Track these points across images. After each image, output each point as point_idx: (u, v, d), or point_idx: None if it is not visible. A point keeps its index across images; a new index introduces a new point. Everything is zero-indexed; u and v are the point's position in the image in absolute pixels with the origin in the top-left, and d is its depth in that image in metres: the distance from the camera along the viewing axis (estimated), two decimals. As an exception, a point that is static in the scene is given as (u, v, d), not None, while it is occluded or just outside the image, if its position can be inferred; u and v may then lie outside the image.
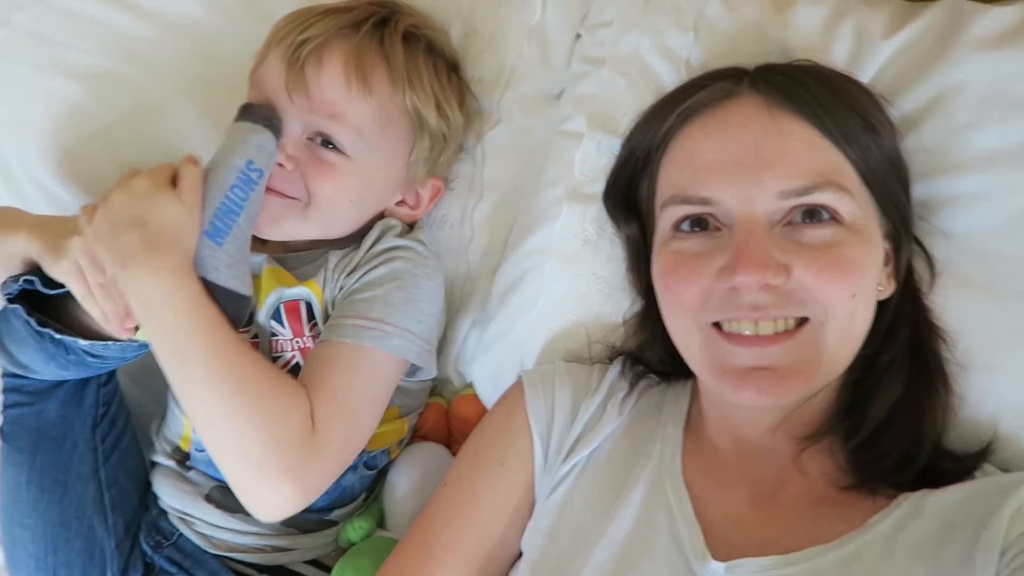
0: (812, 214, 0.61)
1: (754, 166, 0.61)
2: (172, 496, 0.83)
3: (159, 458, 0.86)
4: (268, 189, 0.75)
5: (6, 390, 0.84)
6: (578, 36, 0.88)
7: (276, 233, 0.79)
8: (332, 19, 0.78)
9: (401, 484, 0.84)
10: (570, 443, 0.71)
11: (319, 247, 0.82)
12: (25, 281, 0.73)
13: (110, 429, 0.85)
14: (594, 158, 0.80)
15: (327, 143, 0.77)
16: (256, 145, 0.72)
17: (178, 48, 0.96)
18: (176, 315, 0.65)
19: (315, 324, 0.79)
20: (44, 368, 0.77)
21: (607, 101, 0.81)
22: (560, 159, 0.83)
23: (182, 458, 0.85)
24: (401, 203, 0.85)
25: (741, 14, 0.76)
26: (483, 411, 0.89)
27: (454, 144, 0.86)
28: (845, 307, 0.60)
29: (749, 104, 0.64)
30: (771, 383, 0.60)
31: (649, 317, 0.75)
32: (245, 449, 0.65)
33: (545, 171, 0.85)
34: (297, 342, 0.80)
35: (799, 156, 0.61)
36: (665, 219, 0.67)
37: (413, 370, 0.81)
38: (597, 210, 0.80)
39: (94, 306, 0.70)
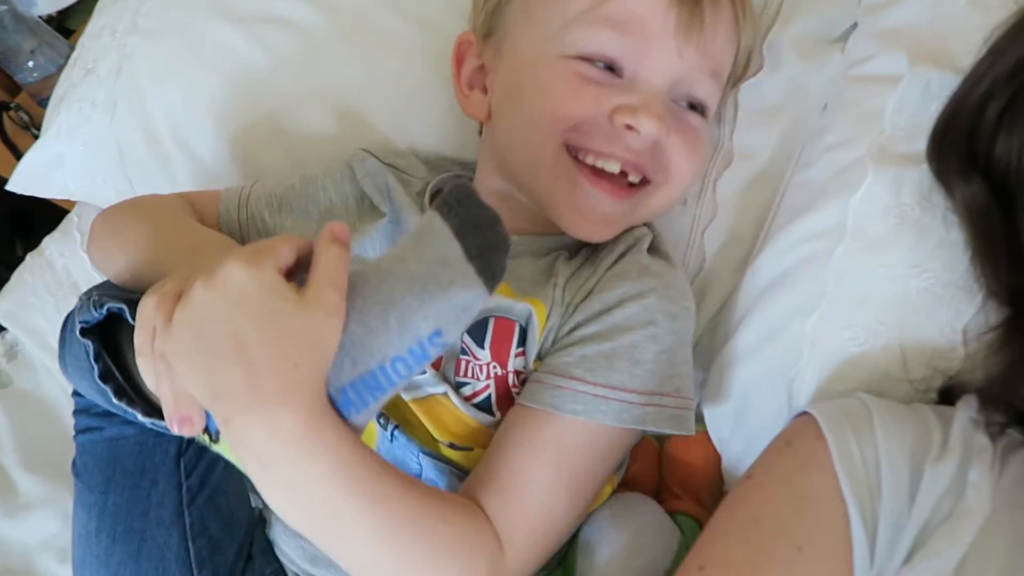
0: None
1: None
2: (298, 552, 0.64)
3: None
4: (616, 181, 0.57)
5: (76, 411, 0.67)
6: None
7: (600, 238, 0.60)
8: None
9: (603, 549, 0.60)
10: (913, 533, 0.45)
11: (540, 237, 0.62)
12: (112, 308, 0.51)
13: (198, 459, 0.64)
14: (917, 105, 0.57)
15: (692, 105, 0.59)
16: (459, 308, 0.43)
17: None
18: (309, 478, 0.43)
19: (523, 352, 0.58)
20: (106, 405, 0.60)
21: (938, 29, 0.58)
22: (855, 111, 0.61)
23: None
24: None
25: None
26: (714, 457, 0.66)
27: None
28: None
29: None
30: None
31: (1020, 330, 0.49)
32: None
33: (829, 131, 0.62)
34: (494, 368, 0.58)
35: None
36: None
37: None
38: (920, 176, 0.56)
39: (165, 405, 0.47)
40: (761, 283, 0.62)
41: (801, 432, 0.51)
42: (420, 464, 0.59)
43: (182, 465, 0.64)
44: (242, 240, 0.68)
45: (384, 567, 0.46)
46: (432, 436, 0.58)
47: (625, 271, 0.57)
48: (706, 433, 0.66)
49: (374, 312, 0.42)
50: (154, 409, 0.50)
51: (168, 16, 0.85)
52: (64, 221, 1.02)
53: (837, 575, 0.45)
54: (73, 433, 0.67)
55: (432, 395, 0.57)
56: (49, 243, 1.00)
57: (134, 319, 0.48)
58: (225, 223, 0.69)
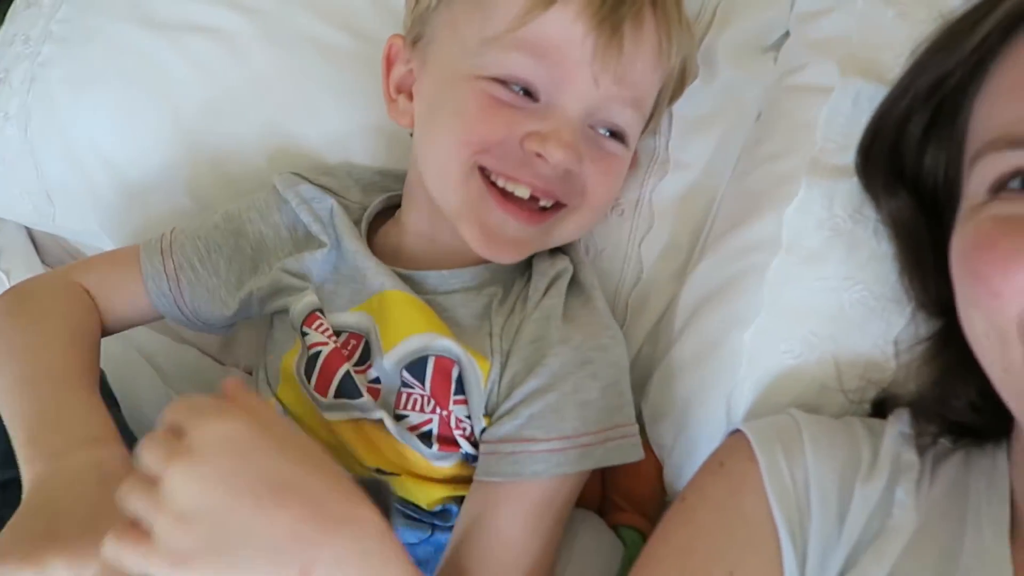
0: None
1: None
2: None
3: None
4: (525, 205, 0.56)
5: None
6: (808, -35, 0.66)
7: (506, 260, 0.59)
8: None
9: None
10: (843, 553, 0.45)
11: (471, 268, 0.61)
12: None
13: None
14: (848, 116, 0.57)
15: (613, 132, 0.58)
16: None
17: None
18: None
19: (464, 400, 0.57)
20: None
21: (867, 40, 0.58)
22: (790, 122, 0.61)
23: None
24: None
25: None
26: (656, 469, 0.65)
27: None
28: None
29: None
30: None
31: (950, 342, 0.50)
32: None
33: (764, 141, 0.62)
34: (437, 408, 0.57)
35: None
36: (979, 177, 0.45)
37: None
38: (851, 188, 0.56)
39: None
40: (699, 295, 0.62)
41: (734, 452, 0.51)
42: None
43: None
44: (179, 295, 0.65)
45: None
46: (359, 461, 0.56)
47: (549, 315, 0.57)
48: (648, 444, 0.65)
49: None
50: None
51: (84, 22, 0.81)
52: (-20, 238, 0.98)
53: None
54: None
55: (365, 419, 0.56)
56: (-35, 262, 0.95)
57: None
58: (151, 278, 0.64)
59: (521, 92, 0.55)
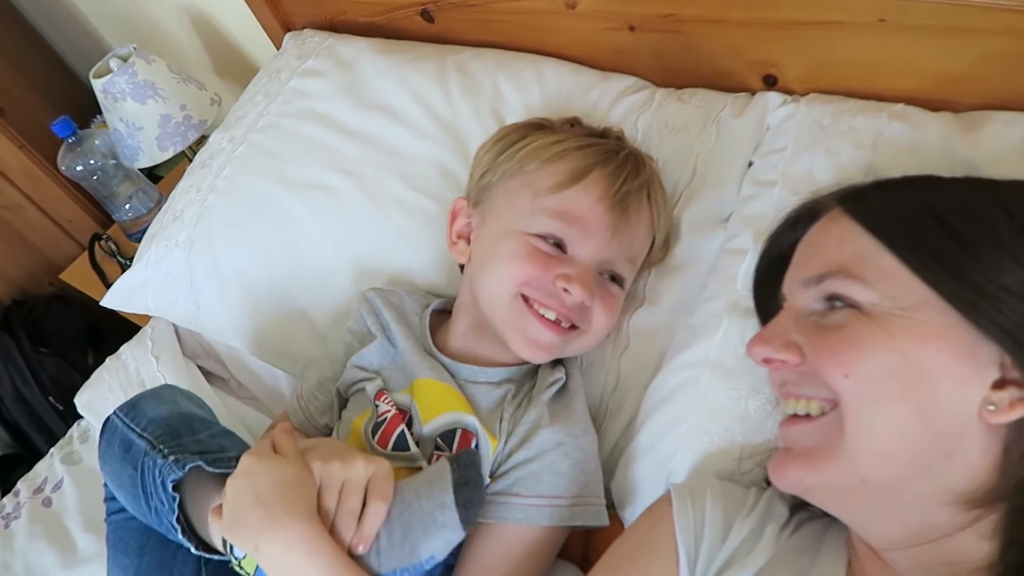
0: (834, 301, 0.59)
1: (797, 263, 0.65)
2: None
3: None
4: (553, 324, 0.79)
5: (107, 499, 0.89)
6: (750, 164, 0.89)
7: (539, 360, 0.82)
8: (631, 165, 0.82)
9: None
10: (719, 565, 0.64)
11: (497, 368, 0.83)
12: (192, 465, 0.75)
13: None
14: (758, 272, 0.78)
15: (614, 278, 0.82)
16: (446, 542, 0.67)
17: (382, 167, 1.05)
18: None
19: None
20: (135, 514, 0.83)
21: (778, 217, 0.79)
22: (723, 274, 0.82)
23: None
24: None
25: (924, 132, 0.74)
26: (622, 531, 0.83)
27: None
28: (850, 392, 0.56)
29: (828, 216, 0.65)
30: (784, 464, 0.61)
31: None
32: None
33: (706, 287, 0.84)
34: None
35: (828, 248, 0.62)
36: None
37: None
38: (756, 324, 0.76)
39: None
40: (654, 400, 0.81)
41: (660, 501, 0.71)
42: None
43: None
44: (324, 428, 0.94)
45: None
46: None
47: (541, 412, 0.78)
48: (616, 515, 0.84)
49: (396, 536, 0.66)
50: (201, 542, 0.74)
51: (239, 180, 1.10)
52: (139, 332, 1.27)
53: None
54: (105, 515, 0.89)
55: (408, 468, 0.77)
56: (126, 349, 1.24)
57: (212, 467, 0.73)
58: (301, 426, 0.94)
59: (554, 244, 0.79)
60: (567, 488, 0.75)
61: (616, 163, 0.80)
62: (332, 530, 0.66)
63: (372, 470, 0.67)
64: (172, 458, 0.75)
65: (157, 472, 0.76)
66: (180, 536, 0.73)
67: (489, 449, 0.78)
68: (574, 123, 0.88)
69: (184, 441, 0.78)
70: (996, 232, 0.54)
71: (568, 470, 0.76)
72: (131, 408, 0.84)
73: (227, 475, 0.69)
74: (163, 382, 1.14)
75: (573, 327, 0.80)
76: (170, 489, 0.74)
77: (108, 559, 0.87)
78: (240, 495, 0.66)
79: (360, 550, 0.65)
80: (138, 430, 0.81)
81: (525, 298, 0.79)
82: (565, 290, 0.77)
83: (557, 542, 0.78)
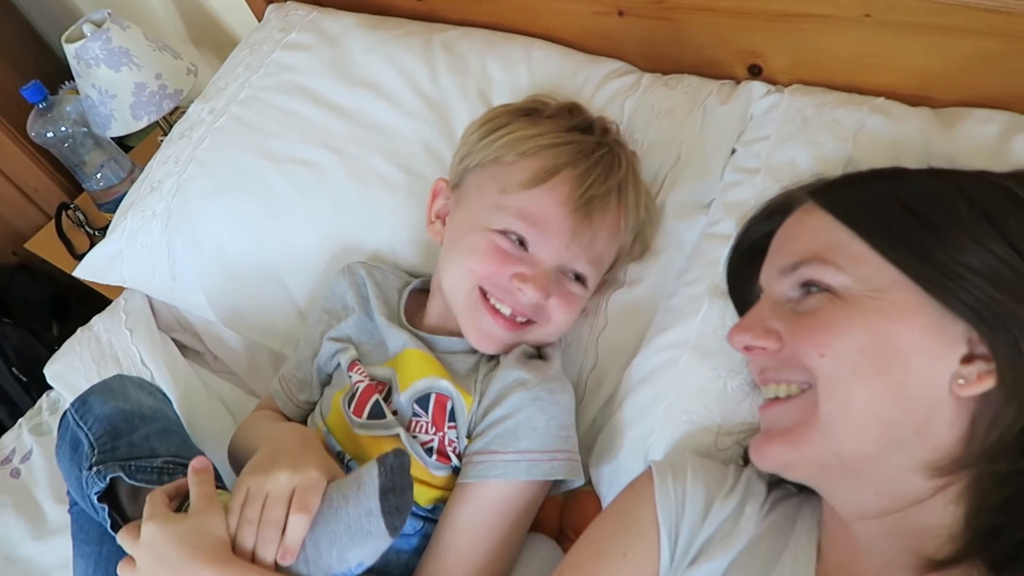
0: (810, 287, 0.62)
1: (773, 253, 0.68)
2: None
3: None
4: (507, 319, 0.80)
5: (68, 491, 0.91)
6: (733, 151, 0.91)
7: (489, 351, 0.83)
8: (603, 166, 0.81)
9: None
10: (699, 543, 0.66)
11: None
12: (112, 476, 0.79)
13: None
14: (739, 257, 0.80)
15: (577, 276, 0.82)
16: (374, 549, 0.67)
17: (366, 144, 1.05)
18: None
19: (455, 426, 0.79)
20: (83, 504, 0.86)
21: (755, 205, 0.81)
22: (705, 259, 0.84)
23: None
24: None
25: (904, 126, 0.76)
26: (598, 509, 0.85)
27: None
28: (825, 370, 0.58)
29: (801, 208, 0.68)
30: (764, 444, 0.63)
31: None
32: None
33: (687, 270, 0.85)
34: (436, 431, 0.79)
35: (802, 238, 0.65)
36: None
37: (559, 484, 0.81)
38: (737, 307, 0.79)
39: None
40: (634, 379, 0.83)
41: (641, 477, 0.73)
42: None
43: None
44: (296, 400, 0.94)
45: None
46: None
47: (515, 370, 0.79)
48: (594, 491, 0.85)
49: (323, 544, 0.66)
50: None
51: (220, 152, 1.09)
52: (112, 304, 1.24)
53: (648, 572, 0.66)
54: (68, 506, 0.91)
55: (386, 436, 0.78)
56: (98, 320, 1.21)
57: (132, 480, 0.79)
58: (284, 406, 0.94)
59: (516, 241, 0.80)
60: (543, 442, 0.76)
61: (587, 164, 0.80)
62: (256, 543, 0.66)
63: (296, 481, 0.67)
64: (94, 470, 0.79)
65: (85, 482, 0.80)
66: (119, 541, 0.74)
67: (464, 408, 0.79)
68: (572, 110, 0.88)
69: (119, 443, 0.82)
70: (958, 216, 0.57)
71: (544, 424, 0.76)
72: (81, 404, 0.88)
73: (146, 489, 0.74)
74: (137, 355, 1.14)
75: (530, 321, 0.82)
76: (95, 500, 0.77)
77: (72, 548, 0.88)
78: (149, 568, 0.67)
79: (286, 561, 0.65)
80: (85, 428, 0.85)
81: (483, 291, 0.81)
82: (520, 289, 0.78)
83: (536, 498, 0.79)
